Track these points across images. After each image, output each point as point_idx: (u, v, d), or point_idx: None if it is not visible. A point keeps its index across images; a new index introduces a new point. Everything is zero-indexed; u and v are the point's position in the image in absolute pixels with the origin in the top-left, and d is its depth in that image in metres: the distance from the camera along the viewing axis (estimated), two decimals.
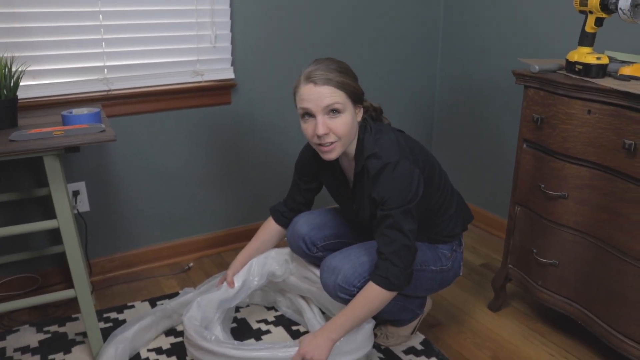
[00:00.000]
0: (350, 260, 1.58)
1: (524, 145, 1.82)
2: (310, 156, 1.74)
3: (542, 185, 1.73)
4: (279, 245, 1.93)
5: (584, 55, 1.65)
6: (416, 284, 1.67)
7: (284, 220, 1.85)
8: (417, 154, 1.59)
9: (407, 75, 2.72)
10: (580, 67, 1.65)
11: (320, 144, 1.50)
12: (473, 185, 2.71)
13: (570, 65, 1.69)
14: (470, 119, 2.65)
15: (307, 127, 1.50)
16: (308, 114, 1.49)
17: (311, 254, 1.80)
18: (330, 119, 1.47)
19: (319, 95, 1.45)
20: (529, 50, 2.28)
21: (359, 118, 1.56)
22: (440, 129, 2.86)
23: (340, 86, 1.46)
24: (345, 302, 1.59)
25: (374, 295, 1.51)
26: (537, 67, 1.71)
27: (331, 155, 1.52)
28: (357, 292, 1.55)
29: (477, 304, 2.07)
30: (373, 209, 1.57)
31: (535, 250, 1.80)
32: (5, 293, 2.07)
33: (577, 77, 1.64)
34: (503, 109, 2.45)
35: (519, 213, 1.88)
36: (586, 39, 1.66)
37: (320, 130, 1.46)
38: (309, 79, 1.46)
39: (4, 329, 1.92)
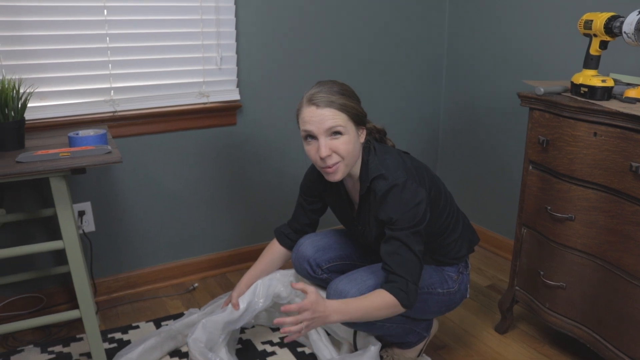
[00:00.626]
0: (357, 283, 1.57)
1: (530, 167, 1.82)
2: (315, 177, 1.74)
3: (549, 207, 1.73)
4: (284, 266, 1.92)
5: (589, 77, 1.65)
6: (423, 306, 1.66)
7: (288, 243, 1.85)
8: (423, 175, 1.59)
9: (413, 98, 2.73)
10: (586, 89, 1.65)
11: (323, 167, 1.51)
12: (479, 206, 2.70)
13: (576, 88, 1.69)
14: (475, 141, 2.65)
15: (310, 149, 1.51)
16: (311, 136, 1.50)
17: (316, 275, 1.79)
18: (332, 140, 1.48)
19: (321, 117, 1.46)
20: (534, 72, 2.29)
21: (362, 139, 1.56)
22: (445, 152, 2.86)
23: (342, 108, 1.47)
24: (351, 325, 1.58)
25: (388, 304, 1.49)
26: (542, 90, 1.72)
27: (335, 176, 1.52)
28: None
29: (484, 326, 2.05)
30: (379, 229, 1.57)
31: (542, 272, 1.79)
32: (9, 313, 2.06)
33: (583, 99, 1.65)
34: (508, 131, 2.46)
35: (525, 235, 1.87)
36: (591, 62, 1.67)
37: (323, 152, 1.47)
38: (311, 102, 1.48)
39: (8, 349, 1.91)
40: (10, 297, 2.07)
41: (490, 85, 2.52)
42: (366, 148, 1.59)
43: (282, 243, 1.86)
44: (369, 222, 1.63)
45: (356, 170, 1.59)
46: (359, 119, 1.52)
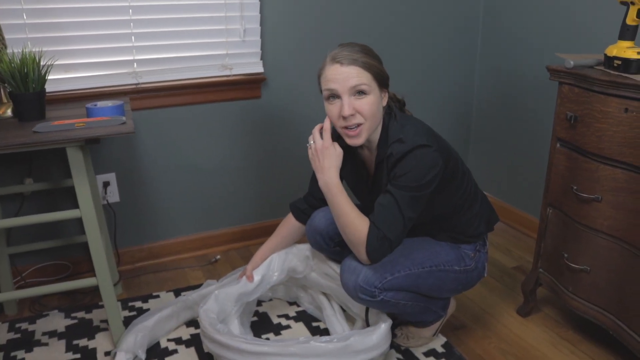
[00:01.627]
0: None
1: (557, 145, 1.73)
2: None
3: (575, 187, 1.64)
4: (300, 241, 1.91)
5: (624, 49, 1.55)
6: (439, 284, 1.62)
7: (303, 217, 1.83)
8: (442, 144, 1.54)
9: (446, 71, 2.64)
10: (619, 62, 1.55)
11: (345, 127, 1.47)
12: (510, 185, 2.61)
13: (609, 61, 1.59)
14: (509, 116, 2.55)
15: (332, 108, 1.47)
16: (334, 96, 1.46)
17: (328, 248, 1.78)
18: (356, 100, 1.44)
19: (346, 75, 1.43)
20: (570, 45, 2.16)
21: (384, 103, 1.52)
22: (478, 126, 2.77)
23: (367, 67, 1.44)
24: (366, 303, 1.56)
25: (357, 235, 1.48)
26: (572, 63, 1.62)
27: (357, 140, 1.48)
28: (378, 292, 1.51)
29: (506, 307, 1.99)
30: None
31: (566, 255, 1.71)
32: (38, 279, 2.14)
33: (616, 73, 1.55)
34: (542, 106, 2.35)
35: (550, 215, 1.79)
36: (627, 33, 1.56)
37: (346, 111, 1.43)
38: (335, 60, 1.45)
39: (35, 313, 1.98)
40: (38, 264, 2.14)
41: (526, 60, 2.40)
42: (387, 113, 1.54)
43: (297, 218, 1.84)
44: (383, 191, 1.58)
45: (375, 136, 1.54)
46: (382, 80, 1.48)
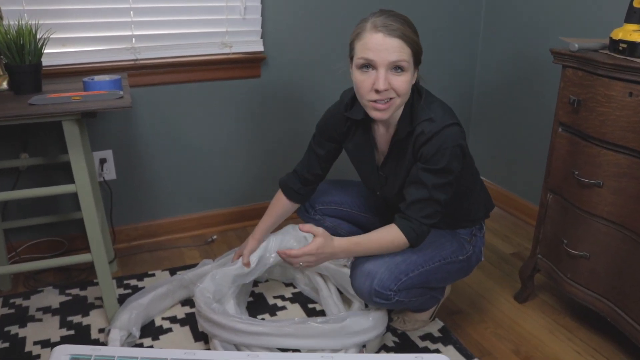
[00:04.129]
0: (385, 262, 1.50)
1: (559, 129, 1.71)
2: (340, 116, 1.62)
3: (576, 172, 1.63)
4: (296, 218, 1.90)
5: (630, 32, 1.52)
6: (446, 276, 1.62)
7: (297, 197, 1.76)
8: (462, 127, 1.51)
9: (446, 55, 2.61)
10: (625, 45, 1.52)
11: (375, 100, 1.40)
12: (510, 171, 2.60)
13: (614, 44, 1.56)
14: (511, 101, 2.52)
15: (364, 79, 1.38)
16: (368, 65, 1.37)
17: (310, 216, 1.80)
18: (392, 75, 1.37)
19: (388, 47, 1.34)
20: (575, 30, 2.13)
21: (414, 81, 1.45)
22: (478, 111, 2.75)
23: (409, 42, 1.36)
24: (380, 305, 1.54)
25: (396, 244, 1.47)
26: (576, 46, 1.60)
27: (384, 114, 1.41)
28: (393, 295, 1.49)
29: (503, 293, 1.98)
30: (406, 175, 1.52)
31: (565, 241, 1.70)
32: (33, 255, 2.12)
33: (621, 56, 1.52)
34: (544, 91, 2.32)
35: (550, 201, 1.78)
36: (634, 15, 1.54)
37: (382, 85, 1.35)
38: (377, 28, 1.34)
39: (29, 288, 1.97)
40: (33, 240, 2.13)
41: (529, 44, 2.37)
42: (413, 91, 1.49)
43: (289, 197, 1.77)
44: (397, 170, 1.55)
45: (398, 113, 1.49)
46: (418, 57, 1.42)
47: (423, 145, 1.44)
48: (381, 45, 1.34)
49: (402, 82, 1.38)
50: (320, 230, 1.43)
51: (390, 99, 1.39)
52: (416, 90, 1.50)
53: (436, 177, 1.44)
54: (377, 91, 1.37)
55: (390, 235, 1.47)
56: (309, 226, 1.42)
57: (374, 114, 1.43)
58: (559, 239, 1.73)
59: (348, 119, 1.60)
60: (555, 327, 1.80)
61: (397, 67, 1.36)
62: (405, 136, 1.48)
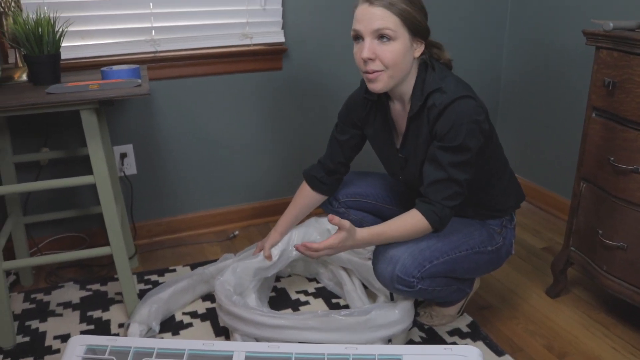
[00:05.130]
0: (409, 247, 1.45)
1: (593, 114, 1.63)
2: (358, 100, 1.61)
3: (612, 159, 1.55)
4: (320, 213, 1.85)
5: None
6: (474, 267, 1.55)
7: (320, 186, 1.73)
8: (482, 102, 1.45)
9: (472, 43, 2.54)
10: None
11: (366, 71, 1.39)
12: (541, 164, 2.51)
13: None
14: (539, 90, 2.44)
15: (356, 51, 1.39)
16: (358, 37, 1.38)
17: (333, 208, 1.75)
18: (378, 45, 1.35)
19: (371, 16, 1.33)
20: (605, 13, 2.05)
21: (417, 54, 1.40)
22: (506, 102, 2.67)
23: (397, 11, 1.33)
24: (402, 293, 1.48)
25: (419, 229, 1.42)
26: (611, 25, 1.52)
27: (375, 85, 1.39)
28: (417, 282, 1.44)
29: (534, 288, 1.90)
30: (426, 156, 1.46)
31: (600, 232, 1.62)
32: (54, 251, 2.11)
33: None
34: (574, 78, 2.23)
35: (584, 190, 1.70)
36: None
37: (365, 54, 1.34)
38: (367, 0, 1.35)
39: (50, 284, 1.96)
40: (54, 235, 2.12)
41: (558, 28, 2.29)
42: (423, 65, 1.44)
43: (313, 187, 1.74)
44: (416, 149, 1.49)
45: (407, 88, 1.45)
46: (416, 29, 1.37)
47: (437, 121, 1.39)
48: (365, 15, 1.35)
49: (388, 51, 1.35)
50: (347, 224, 1.38)
51: (379, 71, 1.37)
52: (430, 66, 1.45)
53: (453, 155, 1.38)
54: (364, 61, 1.37)
55: (412, 220, 1.42)
56: (337, 220, 1.37)
57: (368, 86, 1.42)
58: (593, 229, 1.65)
59: (367, 102, 1.57)
60: (590, 323, 1.72)
61: (382, 36, 1.34)
62: (419, 111, 1.44)
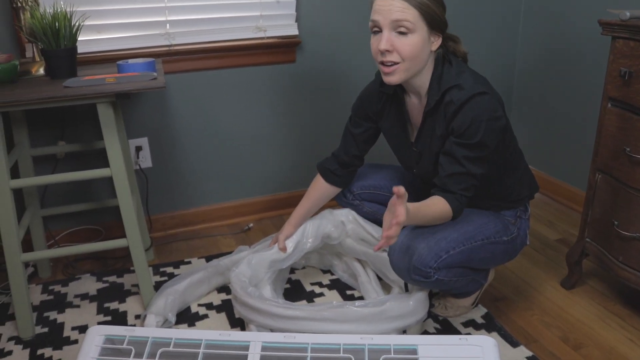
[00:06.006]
0: (425, 238, 1.45)
1: (609, 105, 1.62)
2: (372, 93, 1.61)
3: (628, 149, 1.54)
4: (334, 206, 1.86)
5: None
6: (490, 257, 1.55)
7: (335, 179, 1.74)
8: (500, 97, 1.45)
9: (486, 33, 2.52)
10: None
11: (382, 63, 1.39)
12: (553, 155, 2.50)
13: None
14: (553, 82, 2.43)
15: (373, 42, 1.39)
16: (377, 28, 1.38)
17: (347, 200, 1.77)
18: (396, 37, 1.35)
19: (390, 7, 1.33)
20: (620, 3, 2.03)
21: (434, 47, 1.41)
22: (520, 94, 2.65)
23: (417, 4, 1.33)
24: (419, 284, 1.49)
25: (443, 215, 1.43)
26: (627, 14, 1.51)
27: (391, 77, 1.39)
28: (433, 272, 1.44)
29: (549, 280, 1.90)
30: (440, 150, 1.47)
31: (616, 223, 1.61)
32: (71, 243, 2.13)
33: None
34: (589, 69, 2.22)
35: (599, 181, 1.69)
36: None
37: (383, 45, 1.35)
38: None
39: (68, 276, 1.98)
40: (71, 228, 2.14)
41: (573, 19, 2.27)
42: (440, 59, 1.44)
43: (327, 179, 1.75)
44: (431, 144, 1.50)
45: (423, 81, 1.45)
46: (434, 22, 1.37)
47: (454, 117, 1.39)
48: (384, 6, 1.34)
49: (406, 44, 1.35)
50: (402, 189, 1.26)
51: (396, 63, 1.37)
52: (447, 59, 1.45)
53: (471, 151, 1.39)
54: (381, 52, 1.37)
55: (438, 205, 1.42)
56: (403, 190, 1.23)
57: (384, 78, 1.42)
58: (609, 220, 1.65)
59: (383, 95, 1.58)
60: (606, 315, 1.71)
61: (401, 28, 1.34)
62: (435, 105, 1.44)
